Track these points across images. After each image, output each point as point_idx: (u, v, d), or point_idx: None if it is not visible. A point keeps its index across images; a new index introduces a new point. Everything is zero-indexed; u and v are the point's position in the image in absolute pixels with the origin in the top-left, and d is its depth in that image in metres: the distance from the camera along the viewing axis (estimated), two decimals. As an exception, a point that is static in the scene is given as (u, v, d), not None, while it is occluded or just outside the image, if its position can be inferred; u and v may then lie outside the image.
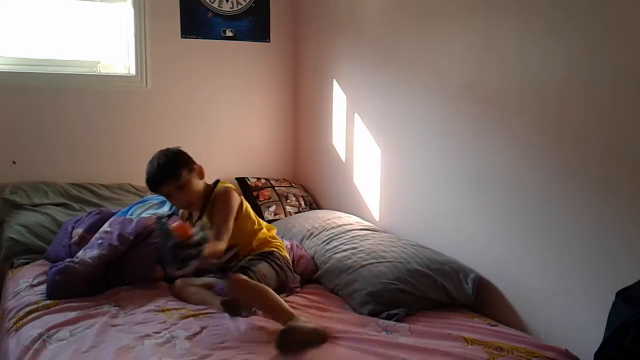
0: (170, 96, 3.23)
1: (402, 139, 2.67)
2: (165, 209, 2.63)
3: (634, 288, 1.48)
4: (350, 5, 3.01)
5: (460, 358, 1.72)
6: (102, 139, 3.10)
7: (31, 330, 1.89)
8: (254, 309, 2.01)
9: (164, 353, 1.72)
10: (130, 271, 2.29)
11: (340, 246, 2.49)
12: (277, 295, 1.98)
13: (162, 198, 2.76)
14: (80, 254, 2.28)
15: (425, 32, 2.49)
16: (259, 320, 1.96)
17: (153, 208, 2.65)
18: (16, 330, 1.94)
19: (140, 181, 3.17)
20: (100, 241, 2.31)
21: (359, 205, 3.01)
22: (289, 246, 2.54)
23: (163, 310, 2.06)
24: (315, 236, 2.67)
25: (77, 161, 3.07)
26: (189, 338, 1.83)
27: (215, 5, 3.26)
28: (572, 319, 1.90)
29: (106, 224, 2.43)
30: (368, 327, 1.95)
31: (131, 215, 2.57)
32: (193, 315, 2.01)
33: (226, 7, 3.30)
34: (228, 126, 3.42)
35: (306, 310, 2.09)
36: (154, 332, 1.86)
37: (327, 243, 2.56)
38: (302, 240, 2.70)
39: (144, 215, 2.56)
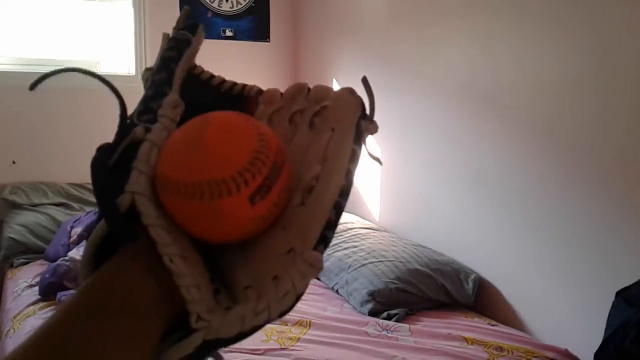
0: (170, 96, 3.23)
1: (403, 138, 2.67)
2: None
3: (634, 288, 1.48)
4: (350, 6, 3.00)
5: (461, 358, 1.72)
6: (102, 139, 3.06)
7: (28, 332, 1.89)
8: None
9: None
10: None
11: (341, 244, 2.49)
12: None
13: None
14: (72, 252, 2.28)
15: (425, 32, 2.49)
16: None
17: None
18: (14, 331, 1.94)
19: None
20: None
21: (359, 205, 3.00)
22: None
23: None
24: (315, 235, 2.67)
25: (77, 161, 3.06)
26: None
27: (215, 5, 3.26)
28: (572, 319, 1.90)
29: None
30: (368, 327, 1.95)
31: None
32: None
33: (226, 7, 3.30)
34: (228, 126, 3.42)
35: (306, 310, 2.09)
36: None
37: (328, 241, 2.55)
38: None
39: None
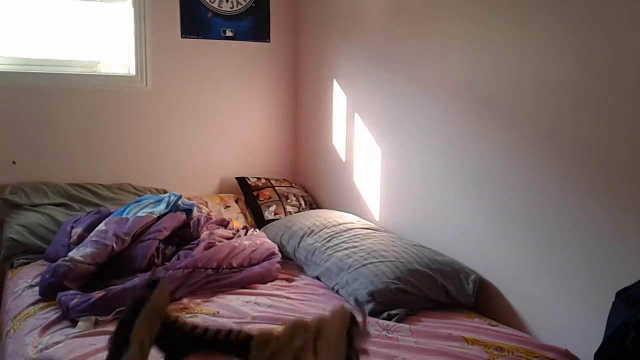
0: (170, 96, 3.23)
1: (402, 138, 2.67)
2: (161, 208, 2.61)
3: (634, 288, 1.48)
4: (350, 5, 3.00)
5: (461, 358, 1.72)
6: (102, 139, 3.10)
7: (28, 332, 1.89)
8: None
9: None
10: (123, 268, 2.29)
11: (341, 244, 2.49)
12: None
13: (158, 197, 2.76)
14: (72, 253, 2.28)
15: (425, 32, 2.49)
16: None
17: (149, 207, 2.64)
18: (14, 331, 1.94)
19: (140, 181, 3.19)
20: (94, 239, 2.32)
21: (359, 205, 3.00)
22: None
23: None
24: (315, 234, 2.67)
25: (77, 161, 3.06)
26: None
27: (215, 5, 3.26)
28: (572, 319, 1.90)
29: (102, 224, 2.44)
30: (368, 327, 1.95)
31: (127, 214, 2.57)
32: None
33: (226, 7, 3.30)
34: (228, 126, 3.42)
35: (306, 310, 2.09)
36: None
37: (328, 241, 2.56)
38: (302, 237, 2.69)
39: (139, 214, 2.56)
